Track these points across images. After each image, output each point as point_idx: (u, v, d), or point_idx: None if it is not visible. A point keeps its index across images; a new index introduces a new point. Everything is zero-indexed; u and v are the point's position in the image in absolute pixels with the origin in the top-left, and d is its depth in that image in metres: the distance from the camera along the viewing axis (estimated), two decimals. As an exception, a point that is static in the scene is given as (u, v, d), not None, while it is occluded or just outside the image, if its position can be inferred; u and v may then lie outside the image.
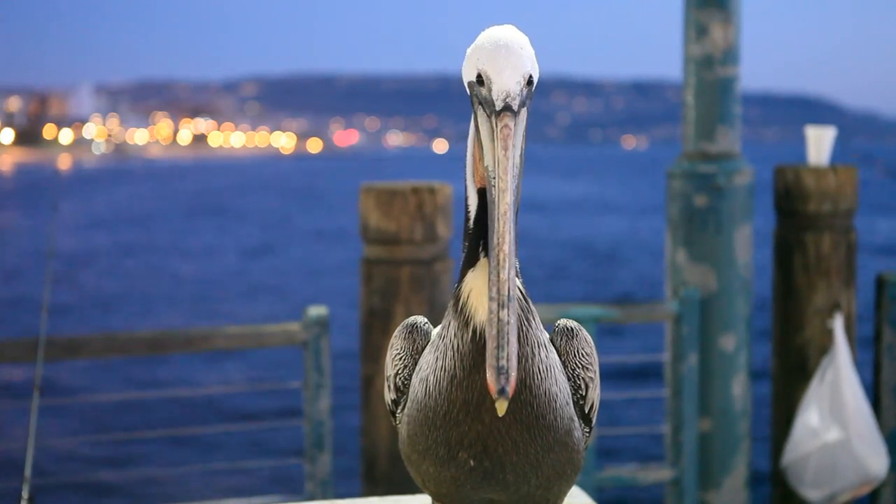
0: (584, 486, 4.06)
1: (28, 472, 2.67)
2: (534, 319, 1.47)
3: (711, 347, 4.58)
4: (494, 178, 1.38)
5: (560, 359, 1.52)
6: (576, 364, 1.52)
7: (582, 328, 1.58)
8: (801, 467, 4.50)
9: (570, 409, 1.50)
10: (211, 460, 8.69)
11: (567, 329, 1.55)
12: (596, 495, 4.19)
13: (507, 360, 1.29)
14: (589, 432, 1.60)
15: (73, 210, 44.76)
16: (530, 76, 1.44)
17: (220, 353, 12.39)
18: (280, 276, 25.13)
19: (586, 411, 1.55)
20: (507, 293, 1.32)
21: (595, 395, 1.56)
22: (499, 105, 1.42)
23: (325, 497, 3.93)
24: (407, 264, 3.96)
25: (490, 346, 1.31)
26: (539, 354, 1.45)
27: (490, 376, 1.29)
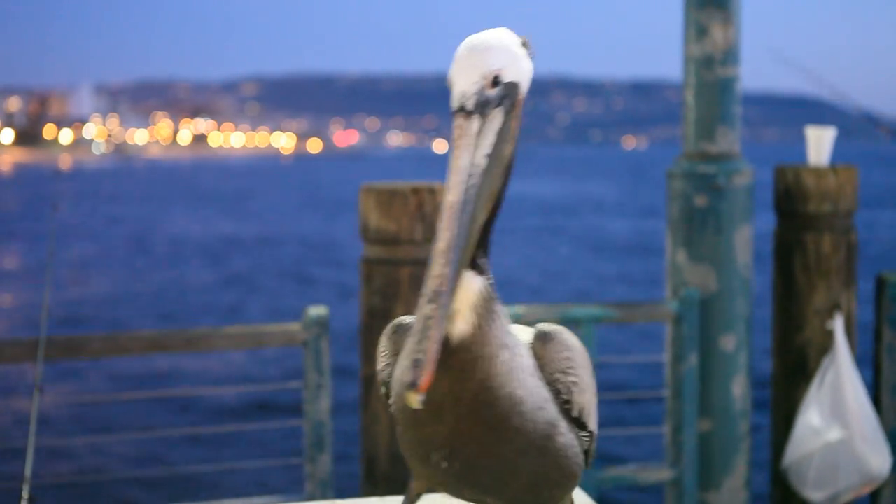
0: (585, 486, 4.06)
1: (28, 472, 2.67)
2: (497, 320, 1.44)
3: (711, 347, 4.58)
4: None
5: (537, 363, 1.49)
6: (553, 368, 1.49)
7: (563, 332, 1.54)
8: (803, 467, 4.50)
9: (549, 414, 1.46)
10: (211, 460, 8.69)
11: (542, 333, 1.52)
12: (596, 495, 4.19)
13: (425, 353, 1.29)
14: (589, 437, 1.57)
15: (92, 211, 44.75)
16: (496, 77, 1.43)
17: (221, 352, 12.39)
18: (280, 276, 25.14)
19: (575, 416, 1.51)
20: (435, 289, 1.34)
21: (585, 399, 1.52)
22: (454, 106, 1.42)
23: (325, 497, 3.93)
24: (407, 264, 3.96)
25: (412, 339, 1.32)
26: (501, 356, 1.42)
27: (406, 369, 1.30)
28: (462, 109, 1.42)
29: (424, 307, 1.34)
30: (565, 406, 1.50)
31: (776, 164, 4.82)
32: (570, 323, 4.41)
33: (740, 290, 4.61)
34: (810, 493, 4.50)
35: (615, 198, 57.78)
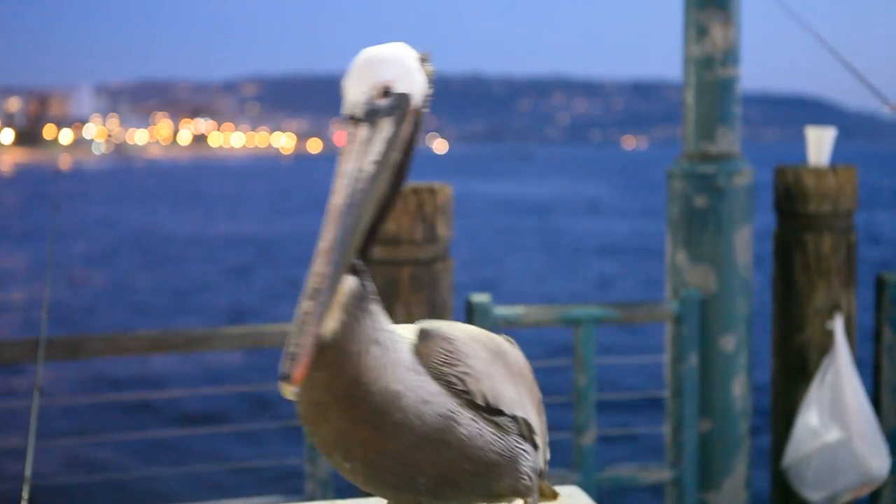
0: (584, 486, 4.06)
1: (28, 472, 2.67)
2: (369, 318, 1.48)
3: (711, 348, 4.58)
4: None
5: (419, 359, 1.52)
6: (437, 361, 1.52)
7: (443, 328, 1.58)
8: (802, 467, 4.50)
9: (438, 407, 1.49)
10: (211, 460, 8.69)
11: (422, 330, 1.57)
12: (596, 495, 4.19)
13: (300, 347, 1.34)
14: (515, 422, 1.59)
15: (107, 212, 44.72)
16: (387, 88, 1.50)
17: (220, 352, 12.40)
18: (282, 275, 25.15)
19: (483, 404, 1.54)
20: (315, 286, 1.38)
21: (486, 386, 1.54)
22: (344, 114, 1.52)
23: (325, 497, 3.93)
24: (407, 264, 3.96)
25: (290, 334, 1.37)
26: (371, 352, 1.46)
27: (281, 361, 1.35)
28: (352, 117, 1.50)
29: (303, 304, 1.39)
30: (465, 396, 1.53)
31: (776, 165, 4.82)
32: (571, 323, 4.41)
33: (740, 290, 4.61)
34: (810, 493, 4.50)
35: (614, 198, 57.78)
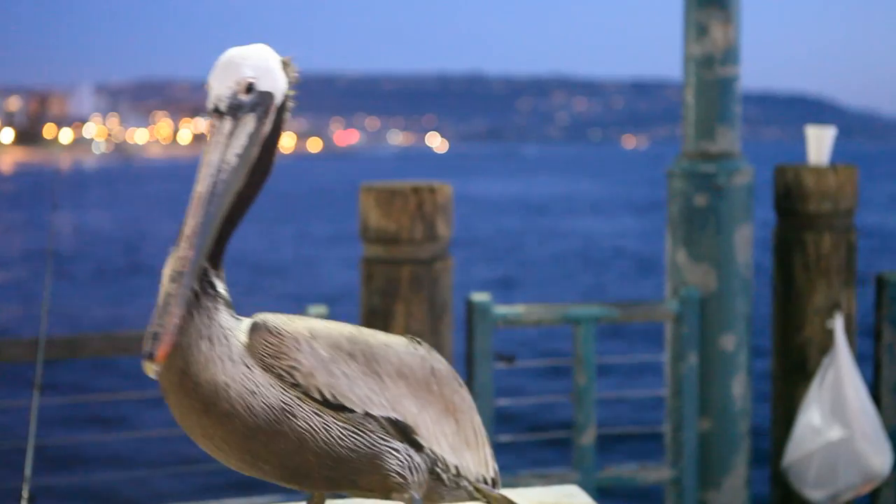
0: (584, 486, 4.06)
1: (28, 471, 2.67)
2: (204, 314, 1.54)
3: (711, 347, 4.58)
4: None
5: (250, 353, 1.57)
6: (264, 354, 1.57)
7: (275, 320, 1.61)
8: (803, 467, 4.50)
9: (268, 399, 1.55)
10: (211, 459, 8.67)
11: (252, 324, 1.61)
12: (596, 495, 4.19)
13: (164, 327, 1.43)
14: (366, 418, 1.61)
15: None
16: (250, 84, 1.59)
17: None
18: (280, 275, 25.15)
19: (319, 399, 1.58)
20: (178, 269, 1.47)
21: (320, 381, 1.58)
22: (209, 107, 1.60)
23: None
24: (407, 264, 3.96)
25: (154, 315, 1.44)
26: (200, 346, 1.53)
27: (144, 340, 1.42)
28: (216, 111, 1.59)
29: (167, 286, 1.48)
30: (301, 390, 1.57)
31: (776, 164, 4.82)
32: (571, 322, 4.41)
33: (740, 289, 4.61)
34: (811, 492, 4.50)
35: (612, 198, 57.78)
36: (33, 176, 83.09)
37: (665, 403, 4.66)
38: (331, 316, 4.05)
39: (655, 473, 4.60)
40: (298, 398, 1.56)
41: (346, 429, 1.59)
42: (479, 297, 4.30)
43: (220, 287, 1.58)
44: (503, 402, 4.50)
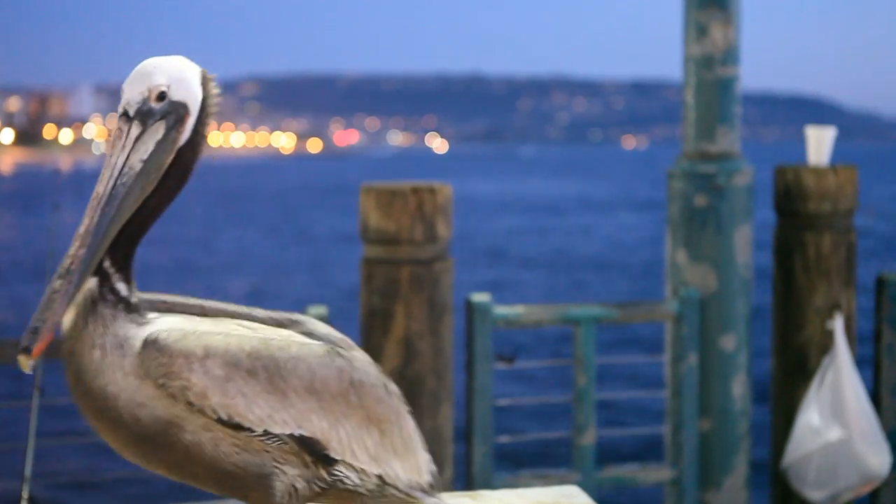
0: (584, 486, 4.06)
1: (28, 471, 2.67)
2: (99, 322, 1.55)
3: (711, 347, 4.58)
4: None
5: (142, 367, 1.57)
6: (155, 373, 1.57)
7: (160, 338, 1.59)
8: (802, 467, 4.50)
9: (157, 411, 1.55)
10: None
11: (146, 339, 1.59)
12: (596, 495, 4.19)
13: (44, 323, 1.44)
14: (266, 437, 1.59)
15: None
16: (162, 93, 1.60)
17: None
18: (281, 275, 25.15)
19: (215, 418, 1.57)
20: (67, 267, 1.48)
21: (214, 402, 1.56)
22: (119, 111, 1.61)
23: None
24: (407, 264, 3.96)
25: (38, 308, 1.46)
26: (91, 355, 1.55)
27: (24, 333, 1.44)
28: (125, 114, 1.60)
29: (54, 282, 1.48)
30: (193, 407, 1.57)
31: (776, 164, 4.82)
32: (571, 323, 4.41)
33: (740, 289, 4.61)
34: (810, 492, 4.50)
35: (612, 197, 57.78)
36: (33, 176, 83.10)
37: (665, 403, 4.66)
38: (331, 316, 4.05)
39: (655, 473, 4.60)
40: (189, 412, 1.56)
41: (236, 446, 1.58)
42: (479, 297, 4.30)
43: (125, 292, 1.58)
44: (503, 402, 4.50)
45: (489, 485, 4.14)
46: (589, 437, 4.41)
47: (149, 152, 1.58)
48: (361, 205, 4.02)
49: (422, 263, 3.97)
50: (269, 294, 22.05)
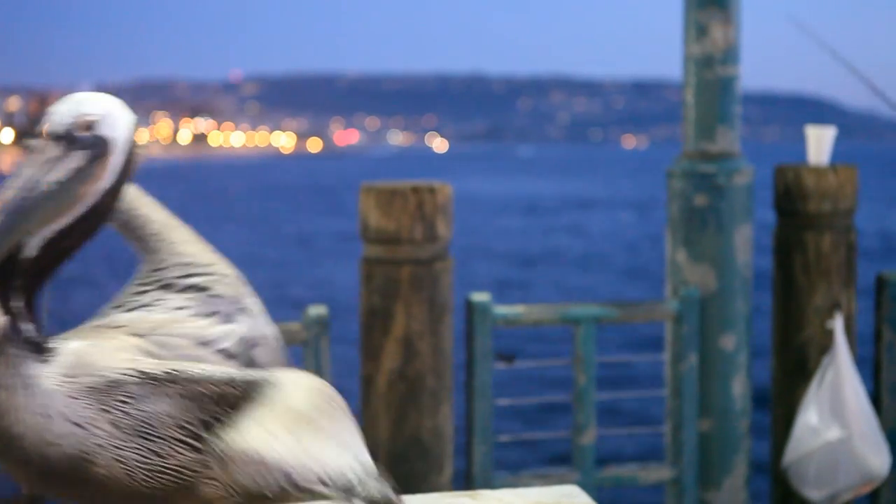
0: (584, 486, 4.06)
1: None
2: (7, 362, 1.52)
3: (711, 347, 4.58)
4: None
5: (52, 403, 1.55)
6: (70, 414, 1.54)
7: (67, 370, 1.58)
8: (802, 467, 4.50)
9: (72, 448, 1.52)
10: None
11: (50, 375, 1.57)
12: (595, 495, 4.19)
13: None
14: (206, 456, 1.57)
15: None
16: (91, 123, 1.56)
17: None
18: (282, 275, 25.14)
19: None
20: None
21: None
22: (43, 129, 1.57)
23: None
24: (407, 264, 3.96)
25: None
26: None
27: None
28: (48, 133, 1.56)
29: None
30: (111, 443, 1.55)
31: (776, 164, 4.82)
32: (570, 323, 4.42)
33: (740, 289, 4.61)
34: (810, 492, 4.50)
35: (612, 196, 57.78)
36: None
37: (665, 403, 4.66)
38: (331, 316, 4.05)
39: (655, 473, 4.60)
40: (102, 445, 1.53)
41: (151, 471, 1.54)
42: (479, 297, 4.30)
43: (31, 332, 1.54)
44: (503, 402, 4.49)
45: (489, 484, 4.14)
46: (589, 437, 4.41)
47: (62, 177, 1.54)
48: (361, 204, 4.02)
49: (422, 263, 3.97)
50: (269, 294, 22.03)
